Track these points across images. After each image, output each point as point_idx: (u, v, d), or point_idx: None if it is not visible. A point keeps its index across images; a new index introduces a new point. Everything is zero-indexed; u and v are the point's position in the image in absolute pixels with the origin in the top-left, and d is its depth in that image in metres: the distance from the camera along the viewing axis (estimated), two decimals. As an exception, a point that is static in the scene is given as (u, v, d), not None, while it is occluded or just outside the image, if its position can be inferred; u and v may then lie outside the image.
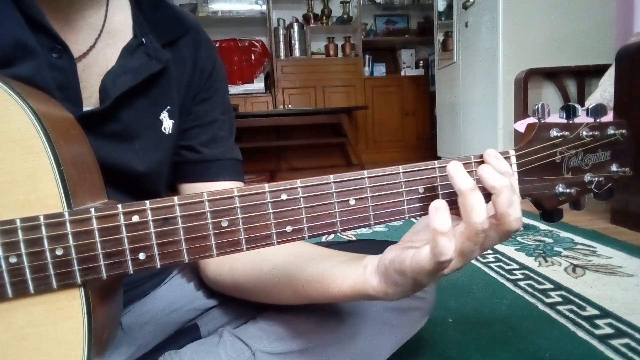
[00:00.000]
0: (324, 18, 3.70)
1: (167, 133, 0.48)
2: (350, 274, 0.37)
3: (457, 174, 0.31)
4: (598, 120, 0.37)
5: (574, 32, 2.12)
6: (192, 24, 0.51)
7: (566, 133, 0.36)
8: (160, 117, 0.47)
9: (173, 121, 0.48)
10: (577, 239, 1.21)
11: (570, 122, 0.37)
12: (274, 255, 0.45)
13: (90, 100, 0.43)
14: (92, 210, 0.29)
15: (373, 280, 0.36)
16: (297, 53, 3.62)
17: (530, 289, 0.89)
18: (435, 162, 0.34)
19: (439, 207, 0.30)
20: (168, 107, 0.47)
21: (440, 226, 0.29)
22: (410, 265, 0.32)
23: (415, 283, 0.33)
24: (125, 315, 0.51)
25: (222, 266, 0.49)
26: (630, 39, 1.49)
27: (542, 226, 1.38)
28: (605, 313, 0.76)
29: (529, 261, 1.06)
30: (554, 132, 0.36)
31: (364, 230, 1.43)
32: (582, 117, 0.37)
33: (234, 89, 3.49)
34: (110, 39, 0.44)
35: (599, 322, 0.73)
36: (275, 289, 0.44)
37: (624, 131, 0.37)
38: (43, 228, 0.29)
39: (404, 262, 0.32)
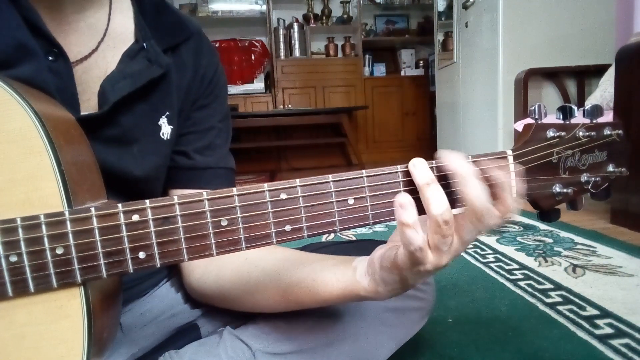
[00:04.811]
0: (324, 18, 3.70)
1: (165, 138, 0.48)
2: (341, 277, 0.38)
3: (416, 169, 0.32)
4: (594, 121, 0.37)
5: (574, 32, 2.12)
6: (194, 30, 0.51)
7: (563, 133, 0.36)
8: (159, 123, 0.47)
9: (172, 127, 0.48)
10: (577, 239, 1.21)
11: (567, 122, 0.37)
12: (263, 261, 0.45)
13: (89, 103, 0.43)
14: (93, 209, 0.29)
15: (364, 281, 0.36)
16: (297, 53, 3.62)
17: (530, 289, 0.89)
18: (433, 161, 0.34)
19: (404, 204, 0.31)
20: (167, 113, 0.47)
21: (405, 219, 0.31)
22: (394, 262, 0.33)
23: (402, 280, 0.34)
24: (125, 316, 0.51)
25: (208, 275, 0.48)
26: (630, 39, 1.49)
27: (542, 226, 1.38)
28: (605, 313, 0.76)
29: (529, 261, 1.06)
30: (550, 133, 0.36)
31: (364, 230, 1.44)
32: (578, 118, 0.37)
33: (234, 89, 3.49)
34: (112, 42, 0.44)
35: (599, 322, 0.73)
36: (263, 295, 0.44)
37: (620, 132, 0.38)
38: (43, 227, 0.29)
39: (389, 259, 0.33)
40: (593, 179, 0.37)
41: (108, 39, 0.44)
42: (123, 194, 0.46)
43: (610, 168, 0.38)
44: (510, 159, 0.35)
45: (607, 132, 0.38)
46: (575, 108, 0.36)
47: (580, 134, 0.37)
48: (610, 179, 0.38)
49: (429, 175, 0.32)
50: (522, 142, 0.36)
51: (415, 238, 0.31)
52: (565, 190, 0.36)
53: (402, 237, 0.31)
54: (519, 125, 1.78)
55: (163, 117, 0.47)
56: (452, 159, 0.33)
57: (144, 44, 0.45)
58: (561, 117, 0.36)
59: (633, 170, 0.38)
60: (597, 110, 0.37)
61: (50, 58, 0.39)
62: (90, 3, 0.43)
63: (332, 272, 0.39)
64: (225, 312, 0.53)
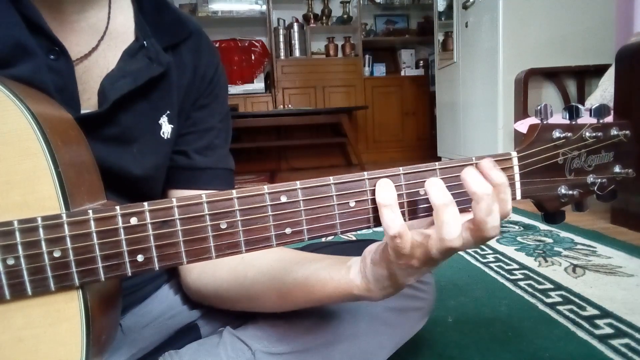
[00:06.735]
0: (324, 18, 3.70)
1: (165, 138, 0.47)
2: (335, 276, 0.38)
3: (433, 189, 0.31)
4: (601, 121, 0.37)
5: (574, 32, 2.12)
6: (194, 29, 0.50)
7: (569, 134, 0.36)
8: (160, 122, 0.47)
9: (172, 126, 0.48)
10: (577, 239, 1.21)
11: (573, 122, 0.36)
12: (259, 261, 0.45)
13: (90, 102, 0.42)
14: (90, 212, 0.29)
15: (357, 280, 0.36)
16: (297, 53, 3.62)
17: (530, 289, 0.88)
18: (436, 163, 0.33)
19: (383, 183, 0.31)
20: (168, 112, 0.47)
21: (382, 200, 0.31)
22: (382, 254, 0.33)
23: (391, 275, 0.33)
24: (125, 317, 0.51)
25: (205, 274, 0.48)
26: (630, 39, 1.49)
27: (542, 226, 1.38)
28: (605, 313, 0.76)
29: (529, 261, 1.06)
30: (556, 133, 0.36)
31: (364, 230, 1.43)
32: (584, 118, 0.36)
33: (234, 89, 3.49)
34: (112, 41, 0.44)
35: (599, 322, 0.73)
36: (260, 294, 0.44)
37: (627, 132, 0.37)
38: (41, 230, 0.28)
39: (378, 252, 0.33)
40: (599, 180, 0.37)
41: (108, 38, 0.44)
42: (122, 194, 0.45)
43: (617, 169, 0.38)
44: (515, 160, 0.35)
45: (614, 132, 0.37)
46: (582, 108, 0.35)
47: (587, 134, 0.36)
48: (616, 180, 0.38)
49: (447, 195, 0.30)
50: (528, 143, 0.35)
51: (392, 220, 0.30)
52: (570, 192, 0.36)
53: (382, 220, 0.31)
54: (519, 125, 1.78)
55: (164, 116, 0.47)
56: (473, 180, 0.30)
57: (144, 42, 0.45)
58: (567, 116, 0.36)
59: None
60: (604, 110, 0.36)
61: (51, 57, 0.39)
62: (90, 3, 0.42)
63: (327, 271, 0.39)
64: (225, 312, 0.53)
